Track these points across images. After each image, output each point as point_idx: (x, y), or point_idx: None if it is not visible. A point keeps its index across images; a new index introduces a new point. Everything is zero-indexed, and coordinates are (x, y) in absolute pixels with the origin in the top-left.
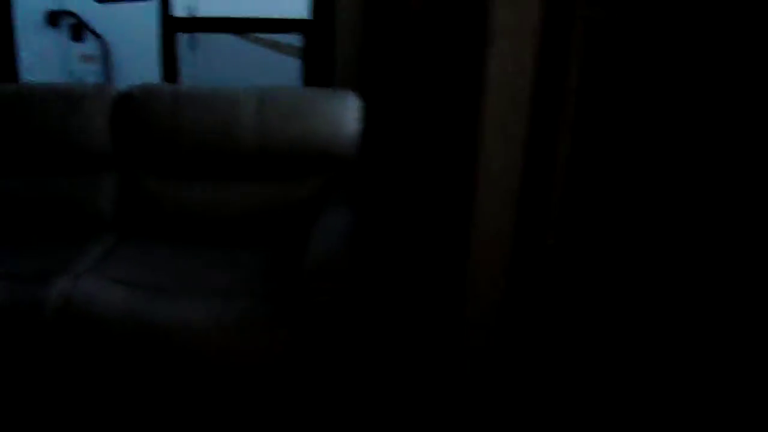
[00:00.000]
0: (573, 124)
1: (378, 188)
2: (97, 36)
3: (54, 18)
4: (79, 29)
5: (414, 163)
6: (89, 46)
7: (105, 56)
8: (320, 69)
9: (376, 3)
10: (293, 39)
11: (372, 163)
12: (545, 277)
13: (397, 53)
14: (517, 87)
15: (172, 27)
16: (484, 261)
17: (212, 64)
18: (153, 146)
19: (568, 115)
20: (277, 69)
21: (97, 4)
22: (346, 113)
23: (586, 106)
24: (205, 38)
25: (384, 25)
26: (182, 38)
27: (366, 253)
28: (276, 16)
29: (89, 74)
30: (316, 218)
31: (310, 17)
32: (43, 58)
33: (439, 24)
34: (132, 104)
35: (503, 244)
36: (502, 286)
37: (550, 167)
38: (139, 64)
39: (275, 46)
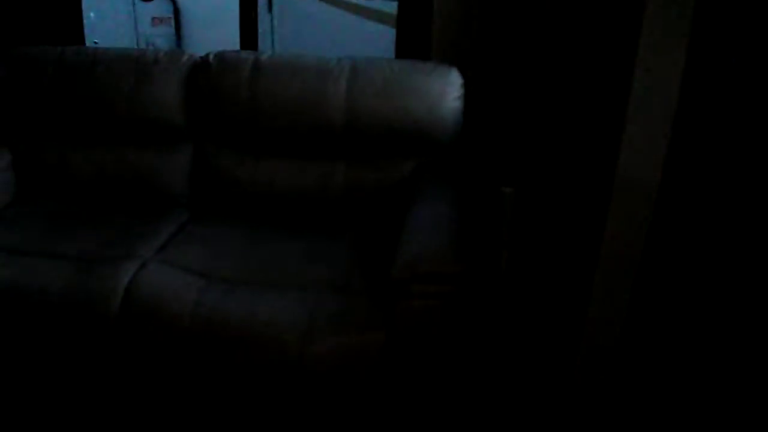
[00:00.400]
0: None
1: (482, 176)
2: None
3: None
4: None
5: (527, 151)
6: (160, 7)
7: (176, 18)
8: (416, 39)
9: None
10: (382, 4)
11: (475, 148)
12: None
13: (506, 25)
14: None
15: None
16: (615, 258)
17: (290, 29)
18: (229, 119)
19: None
20: (362, 37)
21: None
22: (447, 90)
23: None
24: (281, 0)
25: None
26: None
27: (473, 251)
28: None
29: (160, 38)
30: (410, 206)
31: None
32: (110, 19)
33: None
34: (207, 74)
35: (637, 242)
36: (631, 285)
37: (691, 167)
38: (213, 28)
39: (361, 11)
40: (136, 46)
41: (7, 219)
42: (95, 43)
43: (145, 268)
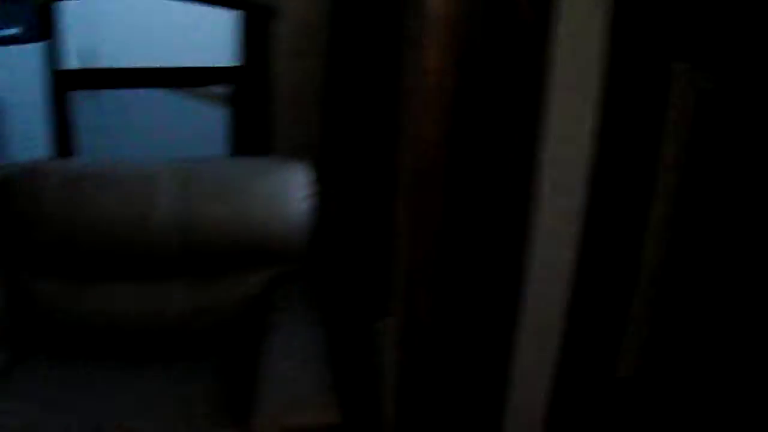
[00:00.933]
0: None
1: (341, 287)
2: None
3: None
4: None
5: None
6: None
7: None
8: (255, 129)
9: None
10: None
11: (331, 255)
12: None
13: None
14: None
15: (65, 83)
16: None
17: (118, 119)
18: (43, 245)
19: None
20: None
21: None
22: (295, 190)
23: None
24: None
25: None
26: None
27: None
28: (193, 62)
29: None
30: (266, 330)
31: (239, 63)
32: None
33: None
34: (12, 190)
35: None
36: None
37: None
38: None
39: (200, 95)
40: None
41: None
42: None
43: None
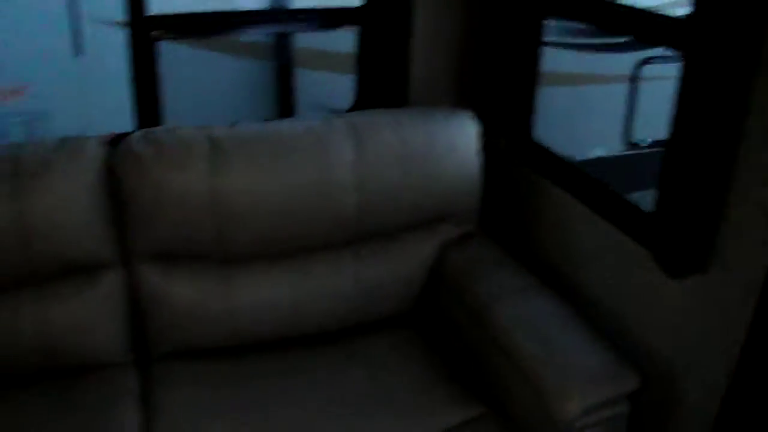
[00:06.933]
0: None
1: None
2: None
3: None
4: None
5: None
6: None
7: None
8: (387, 77)
9: None
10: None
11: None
12: None
13: None
14: None
15: (148, 30)
16: None
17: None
18: (181, 231)
19: None
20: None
21: None
22: (470, 143)
23: None
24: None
25: None
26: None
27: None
28: None
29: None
30: (486, 303)
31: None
32: None
33: None
34: (136, 168)
35: None
36: None
37: None
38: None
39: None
40: None
41: None
42: None
43: None
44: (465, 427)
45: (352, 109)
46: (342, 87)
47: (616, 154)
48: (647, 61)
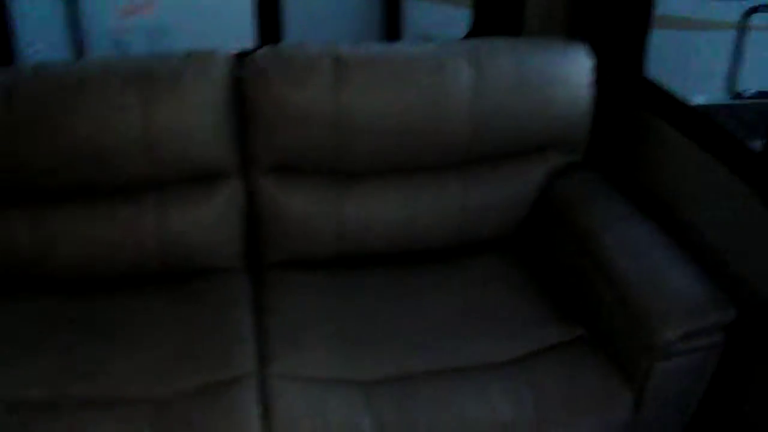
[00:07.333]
0: None
1: None
2: None
3: None
4: None
5: None
6: None
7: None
8: (501, 9)
9: None
10: None
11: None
12: None
13: None
14: None
15: None
16: None
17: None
18: (303, 144)
19: None
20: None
21: None
22: (584, 75)
23: None
24: None
25: None
26: None
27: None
28: None
29: (136, 36)
30: (589, 228)
31: None
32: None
33: None
34: (262, 82)
35: None
36: None
37: None
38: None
39: None
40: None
41: None
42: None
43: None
44: (561, 348)
45: (466, 38)
46: (449, 18)
47: (719, 102)
48: (755, 9)
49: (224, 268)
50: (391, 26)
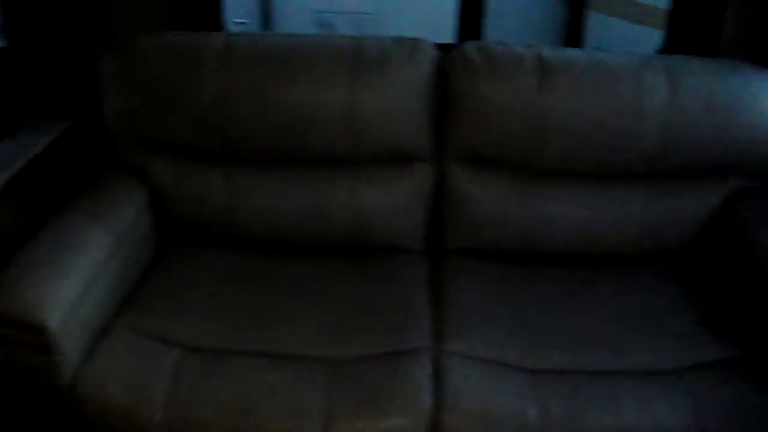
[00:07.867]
0: None
1: None
2: None
3: None
4: None
5: None
6: None
7: None
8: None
9: None
10: None
11: None
12: None
13: None
14: None
15: None
16: None
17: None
18: (503, 139)
19: None
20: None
21: None
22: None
23: None
24: None
25: None
26: None
27: None
28: None
29: (342, 18)
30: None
31: None
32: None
33: None
34: (469, 76)
35: None
36: None
37: None
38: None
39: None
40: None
41: (161, 289)
42: (242, 23)
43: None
44: (717, 366)
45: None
46: (630, 35)
47: None
48: None
49: (405, 248)
50: (571, 38)
